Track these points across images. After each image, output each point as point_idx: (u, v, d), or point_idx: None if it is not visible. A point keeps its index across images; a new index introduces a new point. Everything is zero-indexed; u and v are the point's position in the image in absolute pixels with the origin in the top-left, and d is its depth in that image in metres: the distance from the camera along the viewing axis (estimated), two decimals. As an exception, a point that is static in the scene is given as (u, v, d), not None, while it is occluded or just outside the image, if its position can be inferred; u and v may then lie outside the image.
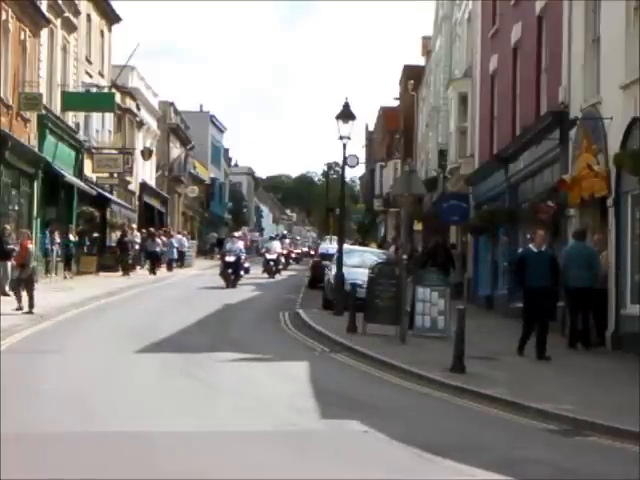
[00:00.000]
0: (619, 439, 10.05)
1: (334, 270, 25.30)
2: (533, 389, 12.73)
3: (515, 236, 26.66)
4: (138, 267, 42.51)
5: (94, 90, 39.21)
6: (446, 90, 38.72)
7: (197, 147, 73.65)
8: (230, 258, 33.51)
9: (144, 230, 46.09)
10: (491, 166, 28.62)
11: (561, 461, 9.11)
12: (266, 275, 40.75)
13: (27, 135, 30.80)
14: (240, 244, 35.47)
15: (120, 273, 38.71)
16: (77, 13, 37.49)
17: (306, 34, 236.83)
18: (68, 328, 19.90)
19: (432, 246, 26.18)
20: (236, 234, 39.73)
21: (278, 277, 41.47)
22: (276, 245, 44.04)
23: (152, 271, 41.41)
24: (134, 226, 44.21)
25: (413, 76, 58.04)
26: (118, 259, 40.05)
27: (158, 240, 44.36)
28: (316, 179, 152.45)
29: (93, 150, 41.07)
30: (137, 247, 42.02)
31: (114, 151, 43.28)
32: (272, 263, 41.51)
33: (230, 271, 33.27)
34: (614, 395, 12.58)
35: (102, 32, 43.61)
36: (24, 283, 21.32)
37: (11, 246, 25.81)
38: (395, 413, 11.33)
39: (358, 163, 62.21)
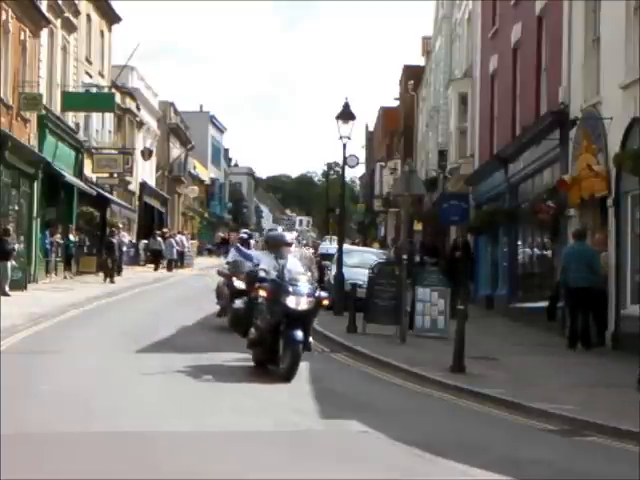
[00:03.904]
0: (619, 439, 10.04)
1: (334, 270, 25.28)
2: (533, 389, 12.72)
3: (515, 236, 26.67)
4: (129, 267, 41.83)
5: (94, 90, 39.21)
6: (446, 90, 38.73)
7: (197, 147, 73.67)
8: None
9: (158, 231, 48.68)
10: (491, 166, 28.62)
11: (561, 461, 9.10)
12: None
13: (27, 135, 30.78)
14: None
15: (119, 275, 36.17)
16: (77, 13, 37.49)
17: (306, 34, 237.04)
18: (68, 328, 19.89)
19: (452, 247, 25.17)
20: (245, 235, 22.23)
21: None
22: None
23: (155, 268, 44.76)
24: (121, 225, 42.81)
25: (413, 76, 58.07)
26: (101, 263, 36.24)
27: (159, 239, 46.77)
28: (316, 179, 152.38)
29: (93, 150, 41.09)
30: (125, 249, 40.26)
31: (114, 151, 43.34)
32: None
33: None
34: (614, 395, 12.58)
35: (102, 32, 43.62)
36: None
37: (11, 246, 25.86)
38: (395, 413, 11.32)
39: (358, 163, 62.21)
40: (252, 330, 13.72)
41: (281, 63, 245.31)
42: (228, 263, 19.86)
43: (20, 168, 29.84)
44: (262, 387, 12.90)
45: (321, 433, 10.03)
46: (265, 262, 14.12)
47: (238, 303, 14.66)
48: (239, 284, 18.48)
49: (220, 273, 20.20)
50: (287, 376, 12.87)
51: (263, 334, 13.41)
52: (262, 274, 13.70)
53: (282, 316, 13.07)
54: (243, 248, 18.43)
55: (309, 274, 14.10)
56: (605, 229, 18.49)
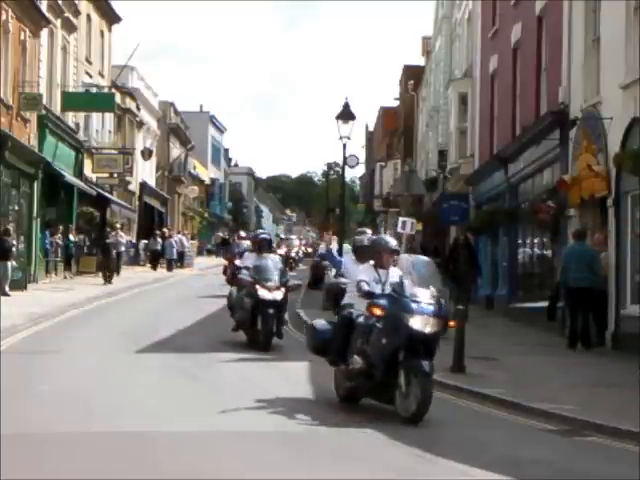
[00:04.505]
0: (619, 439, 10.03)
1: (334, 270, 25.24)
2: (533, 389, 12.72)
3: (515, 236, 26.67)
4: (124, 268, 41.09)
5: (94, 90, 39.21)
6: (446, 90, 38.73)
7: (197, 147, 73.67)
8: (274, 294, 16.74)
9: (158, 231, 48.67)
10: (491, 166, 28.62)
11: (561, 461, 9.10)
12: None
13: (27, 135, 30.78)
14: (277, 260, 17.80)
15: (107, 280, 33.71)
16: (77, 13, 37.50)
17: (306, 34, 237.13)
18: (68, 328, 19.90)
19: (452, 246, 25.13)
20: (265, 236, 18.97)
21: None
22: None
23: (154, 268, 44.82)
24: (119, 226, 41.55)
25: (413, 76, 58.06)
26: (99, 264, 35.84)
27: (159, 239, 46.72)
28: (316, 179, 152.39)
29: (93, 150, 41.08)
30: (122, 249, 39.16)
31: (114, 151, 43.34)
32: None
33: (272, 312, 16.61)
34: (614, 395, 12.57)
35: (102, 32, 43.63)
36: None
37: (10, 244, 25.80)
38: (395, 413, 11.30)
39: (358, 163, 62.13)
40: (355, 358, 10.91)
41: (281, 63, 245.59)
42: (247, 269, 17.22)
43: (20, 168, 29.83)
44: (261, 387, 12.90)
45: (321, 433, 10.02)
46: (360, 273, 11.41)
47: (322, 323, 11.94)
48: (264, 293, 16.55)
49: (241, 280, 17.34)
50: (416, 417, 10.39)
51: (374, 363, 10.72)
52: (365, 287, 11.04)
53: (404, 341, 10.51)
54: (333, 252, 13.82)
55: (432, 288, 11.14)
56: (605, 229, 18.48)
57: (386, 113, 74.08)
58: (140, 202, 52.70)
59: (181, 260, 48.25)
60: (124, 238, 41.08)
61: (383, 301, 10.79)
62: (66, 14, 35.19)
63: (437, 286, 11.13)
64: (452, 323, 10.98)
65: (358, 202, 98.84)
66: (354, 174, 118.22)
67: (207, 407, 11.26)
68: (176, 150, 66.75)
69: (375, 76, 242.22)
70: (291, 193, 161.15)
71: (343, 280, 12.17)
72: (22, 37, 29.78)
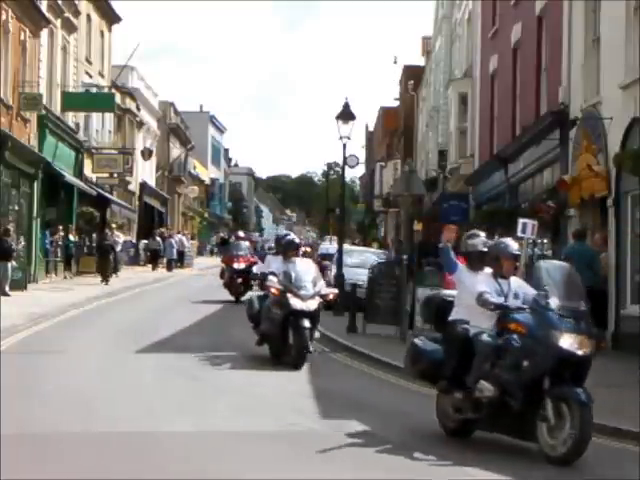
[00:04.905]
0: (619, 439, 10.04)
1: (334, 270, 25.29)
2: (533, 389, 12.69)
3: (515, 236, 26.65)
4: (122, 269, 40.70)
5: (94, 90, 39.22)
6: (446, 90, 38.74)
7: (197, 147, 73.68)
8: (308, 304, 14.82)
9: (159, 230, 49.27)
10: (491, 166, 28.62)
11: (561, 461, 9.10)
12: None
13: (27, 135, 30.78)
14: (307, 264, 15.92)
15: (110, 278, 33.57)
16: (77, 13, 37.50)
17: (306, 34, 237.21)
18: (68, 328, 19.89)
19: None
20: (292, 237, 16.62)
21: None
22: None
23: (153, 268, 44.88)
24: (114, 226, 41.05)
25: (413, 76, 58.06)
26: (97, 265, 35.31)
27: (158, 239, 46.93)
28: (316, 179, 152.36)
29: (93, 150, 41.08)
30: (119, 249, 38.76)
31: (114, 151, 43.34)
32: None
33: (306, 324, 14.73)
34: (614, 395, 12.55)
35: (102, 32, 43.63)
36: None
37: (9, 244, 25.79)
38: (395, 413, 11.32)
39: (358, 163, 62.10)
40: (484, 385, 9.23)
41: (281, 63, 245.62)
42: (274, 274, 15.30)
43: (20, 168, 29.83)
44: (262, 387, 12.91)
45: (321, 433, 10.02)
46: (479, 283, 9.74)
47: (425, 342, 10.25)
48: (297, 303, 14.72)
49: (268, 287, 15.36)
50: (570, 457, 8.78)
51: (510, 391, 9.12)
52: (492, 299, 9.49)
53: (552, 364, 8.92)
54: (450, 252, 10.17)
55: (580, 301, 9.54)
56: (605, 229, 18.48)
57: (386, 113, 74.08)
58: (140, 202, 52.71)
59: (181, 260, 48.24)
60: (121, 238, 41.12)
61: (523, 316, 9.31)
62: (66, 14, 35.19)
63: (581, 297, 9.59)
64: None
65: (358, 202, 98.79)
66: (354, 174, 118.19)
67: (207, 407, 11.27)
68: (176, 150, 66.76)
69: (375, 76, 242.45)
70: (291, 193, 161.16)
71: (446, 292, 10.64)
72: (22, 37, 29.77)
